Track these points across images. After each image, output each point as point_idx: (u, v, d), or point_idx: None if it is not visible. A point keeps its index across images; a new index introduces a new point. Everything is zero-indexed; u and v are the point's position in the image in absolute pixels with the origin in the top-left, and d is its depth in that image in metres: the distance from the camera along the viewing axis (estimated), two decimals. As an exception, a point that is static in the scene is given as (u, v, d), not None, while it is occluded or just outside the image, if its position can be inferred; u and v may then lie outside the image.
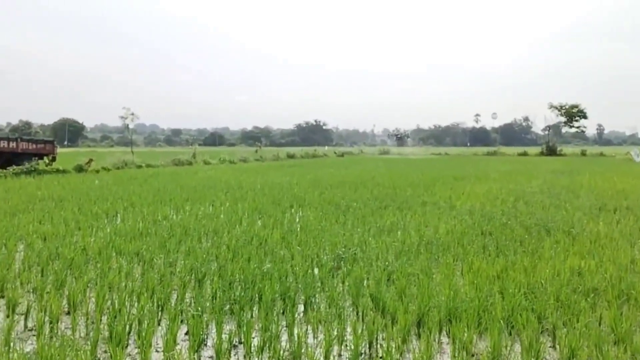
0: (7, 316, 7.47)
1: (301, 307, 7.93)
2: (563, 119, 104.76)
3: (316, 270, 9.77)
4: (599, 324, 7.30)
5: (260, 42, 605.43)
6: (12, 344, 6.33)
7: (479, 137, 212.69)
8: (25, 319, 7.40)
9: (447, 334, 7.04)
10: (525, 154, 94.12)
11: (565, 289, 8.43)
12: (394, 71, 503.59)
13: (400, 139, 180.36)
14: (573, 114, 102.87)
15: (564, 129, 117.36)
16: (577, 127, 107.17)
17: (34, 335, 6.84)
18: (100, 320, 7.22)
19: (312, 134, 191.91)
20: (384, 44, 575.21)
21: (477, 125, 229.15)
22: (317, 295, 8.31)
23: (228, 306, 7.79)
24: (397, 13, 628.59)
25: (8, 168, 33.73)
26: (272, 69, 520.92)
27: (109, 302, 7.85)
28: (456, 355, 6.24)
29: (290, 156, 71.57)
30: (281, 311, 7.66)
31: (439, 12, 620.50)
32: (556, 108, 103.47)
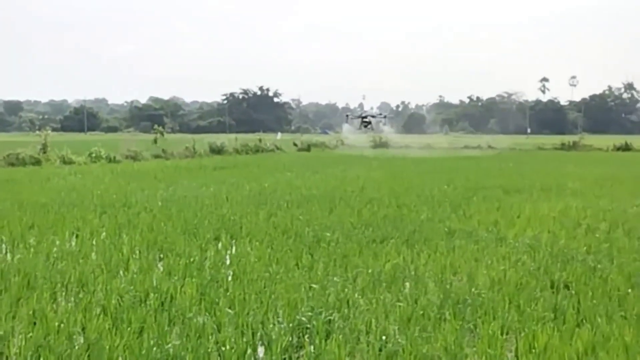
0: None
1: None
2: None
3: (261, 351, 9.78)
4: None
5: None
6: None
7: (547, 117, 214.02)
8: None
9: None
10: (627, 147, 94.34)
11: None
12: (397, 14, 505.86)
13: (409, 120, 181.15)
14: None
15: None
16: None
17: None
18: None
19: (255, 112, 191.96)
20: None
21: (545, 98, 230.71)
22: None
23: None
24: None
25: None
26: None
27: None
28: None
29: (217, 150, 71.36)
30: None
31: None
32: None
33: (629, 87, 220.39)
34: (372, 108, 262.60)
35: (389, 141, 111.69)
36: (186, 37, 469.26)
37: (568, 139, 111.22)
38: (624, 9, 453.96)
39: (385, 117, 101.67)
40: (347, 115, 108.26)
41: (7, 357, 9.32)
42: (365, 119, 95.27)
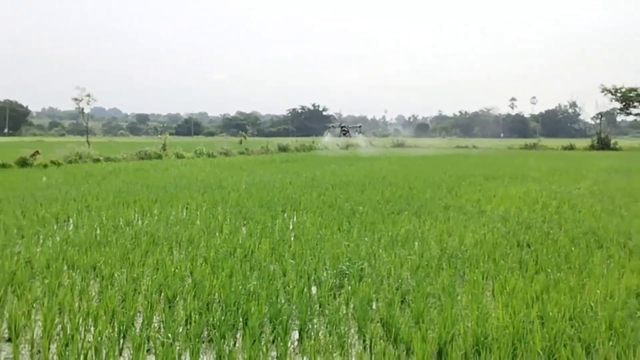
0: None
1: (295, 335, 7.94)
2: (619, 104, 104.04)
3: (314, 289, 9.79)
4: (662, 357, 7.30)
5: (241, 4, 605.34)
6: (-61, 378, 6.34)
7: (515, 126, 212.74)
8: (-45, 350, 7.41)
9: (474, 369, 7.04)
10: (571, 147, 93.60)
11: (620, 313, 8.40)
12: (409, 42, 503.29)
13: (418, 127, 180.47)
14: (631, 98, 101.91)
15: (620, 117, 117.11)
16: (636, 115, 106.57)
17: (-34, 368, 6.85)
18: (49, 348, 7.21)
19: (309, 122, 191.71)
20: (397, 13, 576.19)
21: (513, 112, 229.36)
22: (315, 320, 8.30)
23: (206, 332, 7.80)
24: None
25: None
26: (257, 40, 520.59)
27: (59, 326, 7.85)
28: (485, 394, 6.25)
29: (283, 149, 71.48)
30: (271, 339, 7.65)
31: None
32: (610, 91, 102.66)
33: (573, 104, 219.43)
34: (391, 119, 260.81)
35: (404, 142, 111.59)
36: (263, 67, 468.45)
37: (529, 141, 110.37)
38: (571, 44, 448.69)
39: (360, 126, 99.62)
40: (331, 126, 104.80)
41: (139, 292, 9.37)
42: (344, 128, 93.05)
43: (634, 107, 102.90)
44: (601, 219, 16.96)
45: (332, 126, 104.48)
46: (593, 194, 23.73)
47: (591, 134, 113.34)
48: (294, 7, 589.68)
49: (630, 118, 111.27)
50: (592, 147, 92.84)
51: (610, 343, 7.40)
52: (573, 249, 12.90)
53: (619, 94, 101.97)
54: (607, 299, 9.18)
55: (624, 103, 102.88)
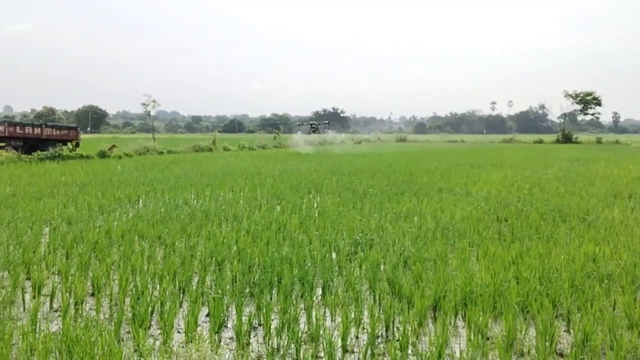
0: (34, 297, 7.57)
1: (319, 291, 7.97)
2: (578, 107, 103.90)
3: (334, 255, 9.81)
4: (613, 309, 7.28)
5: (274, 28, 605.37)
6: (38, 324, 6.41)
7: (495, 124, 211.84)
8: (51, 300, 7.49)
9: (462, 317, 7.05)
10: (541, 141, 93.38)
11: (580, 274, 8.41)
12: (410, 56, 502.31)
13: (416, 126, 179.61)
14: (588, 101, 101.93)
15: (580, 117, 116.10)
16: (592, 115, 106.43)
17: (59, 316, 6.92)
18: (124, 301, 7.30)
19: (329, 121, 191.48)
20: (400, 28, 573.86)
21: (493, 113, 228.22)
22: (334, 280, 8.34)
23: (248, 289, 7.85)
24: (414, 1, 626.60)
25: (33, 153, 34.06)
26: (287, 56, 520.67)
27: (132, 284, 7.93)
28: (472, 338, 6.25)
29: (308, 143, 71.42)
30: (300, 294, 7.70)
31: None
32: (571, 96, 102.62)
33: (542, 106, 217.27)
34: (395, 119, 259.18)
35: (406, 137, 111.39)
36: (291, 78, 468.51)
37: (507, 137, 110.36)
38: (539, 58, 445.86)
39: (328, 123, 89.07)
40: (300, 124, 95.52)
41: (194, 257, 9.42)
42: (313, 125, 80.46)
43: (591, 108, 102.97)
44: (565, 199, 16.89)
45: (302, 124, 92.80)
46: (558, 178, 23.62)
47: (557, 130, 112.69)
48: (313, 33, 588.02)
49: (588, 117, 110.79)
50: (557, 141, 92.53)
51: (572, 297, 7.40)
52: (542, 222, 12.87)
53: (578, 98, 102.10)
54: (569, 262, 9.16)
55: (582, 105, 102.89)
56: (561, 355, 6.05)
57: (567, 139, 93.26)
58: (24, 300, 7.54)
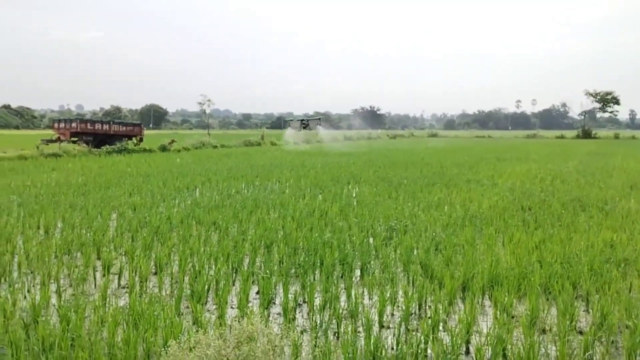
0: (103, 275, 7.73)
1: (358, 272, 7.98)
2: (598, 105, 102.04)
3: (371, 240, 9.80)
4: (629, 291, 7.17)
5: (314, 36, 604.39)
6: (108, 299, 6.55)
7: (519, 121, 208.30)
8: (119, 278, 7.63)
9: (489, 297, 7.00)
10: (562, 137, 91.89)
11: (599, 259, 8.29)
12: (441, 58, 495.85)
13: (447, 123, 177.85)
14: (607, 100, 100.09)
15: (599, 114, 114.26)
16: (611, 112, 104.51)
17: (126, 292, 7.06)
18: (183, 280, 7.40)
19: (367, 119, 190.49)
20: (431, 32, 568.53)
21: (518, 111, 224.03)
22: (372, 262, 8.34)
23: (293, 270, 7.89)
24: (445, 5, 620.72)
25: (102, 147, 34.70)
26: (326, 61, 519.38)
27: (190, 264, 8.04)
28: (498, 316, 6.21)
29: (348, 138, 71.33)
30: (340, 275, 7.72)
31: (483, 4, 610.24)
32: (591, 95, 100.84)
33: (563, 105, 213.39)
34: (427, 116, 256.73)
35: (437, 133, 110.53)
36: (331, 79, 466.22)
37: (531, 132, 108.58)
38: (562, 59, 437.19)
39: (319, 119, 76.98)
40: (290, 120, 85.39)
41: (246, 240, 9.49)
42: (304, 122, 69.13)
43: (609, 106, 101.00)
44: (584, 189, 16.61)
45: (292, 120, 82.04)
46: (578, 171, 23.22)
47: (577, 127, 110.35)
48: (354, 40, 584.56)
49: (606, 115, 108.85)
50: (577, 137, 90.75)
51: (591, 280, 7.30)
52: (563, 211, 12.68)
53: (598, 97, 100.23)
54: (588, 248, 9.02)
55: (601, 103, 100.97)
56: (580, 332, 5.97)
57: (586, 134, 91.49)
58: (95, 278, 7.70)
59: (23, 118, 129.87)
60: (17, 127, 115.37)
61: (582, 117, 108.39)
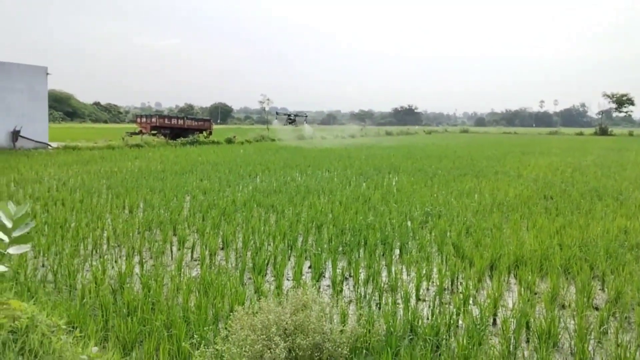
0: (179, 249, 7.88)
1: (397, 251, 7.94)
2: (614, 105, 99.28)
3: (409, 223, 9.73)
4: (643, 274, 6.97)
5: (360, 41, 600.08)
6: (182, 270, 6.68)
7: (542, 119, 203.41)
8: (192, 252, 7.76)
9: (514, 276, 6.89)
10: (581, 134, 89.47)
11: (613, 243, 8.08)
12: (473, 60, 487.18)
13: (477, 120, 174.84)
14: (622, 101, 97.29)
15: (614, 114, 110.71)
16: (626, 112, 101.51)
17: (198, 264, 7.18)
18: (246, 254, 7.48)
19: (405, 116, 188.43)
20: (462, 36, 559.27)
21: (542, 110, 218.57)
22: (409, 242, 8.29)
23: (341, 248, 7.90)
24: (478, 12, 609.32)
25: (177, 139, 35.29)
26: (371, 64, 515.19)
27: (252, 241, 8.12)
28: (522, 293, 6.10)
29: (388, 133, 70.87)
30: (382, 253, 7.70)
31: (510, 9, 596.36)
32: (608, 96, 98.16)
33: (582, 105, 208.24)
34: (460, 114, 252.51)
35: (468, 129, 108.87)
36: (376, 79, 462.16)
37: (553, 129, 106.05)
38: (585, 61, 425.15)
39: (306, 116, 65.70)
40: (276, 113, 77.48)
41: (299, 222, 9.54)
42: (290, 117, 60.91)
43: (625, 106, 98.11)
44: (601, 181, 16.16)
45: (278, 113, 72.54)
46: (595, 164, 22.60)
47: (595, 125, 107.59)
48: (396, 44, 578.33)
49: (622, 114, 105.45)
50: (595, 134, 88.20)
51: (607, 262, 7.12)
52: (581, 200, 12.37)
53: (614, 98, 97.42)
54: (604, 233, 8.79)
55: (617, 104, 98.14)
56: (596, 308, 5.83)
57: (603, 132, 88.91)
58: (171, 252, 7.86)
59: (111, 113, 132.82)
60: (105, 122, 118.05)
61: (600, 116, 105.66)
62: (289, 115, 51.02)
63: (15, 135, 26.87)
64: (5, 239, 3.43)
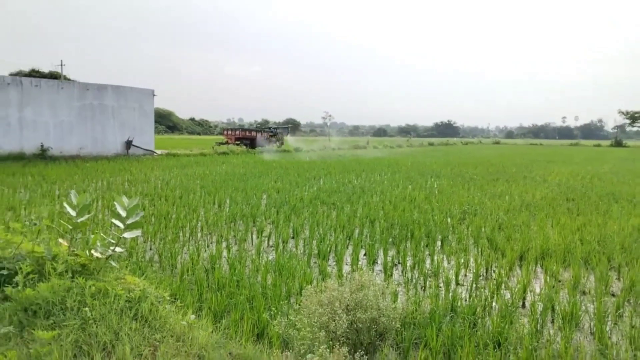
0: (257, 237, 8.01)
1: (439, 243, 7.82)
2: (628, 120, 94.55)
3: (449, 219, 9.55)
4: (657, 267, 6.60)
5: (408, 60, 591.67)
6: (260, 254, 6.80)
7: (564, 133, 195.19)
8: (268, 240, 7.89)
9: (541, 266, 6.66)
10: (599, 145, 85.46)
11: (629, 239, 7.71)
12: (504, 80, 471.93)
13: (507, 133, 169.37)
14: (636, 117, 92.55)
15: (628, 128, 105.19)
16: (639, 127, 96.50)
17: (273, 250, 7.28)
18: (312, 243, 7.53)
19: (445, 129, 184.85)
20: (497, 57, 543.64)
21: (564, 125, 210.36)
22: (449, 236, 8.14)
23: (391, 239, 7.84)
24: (506, 38, 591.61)
25: (255, 148, 35.90)
26: (416, 81, 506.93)
27: (317, 232, 8.17)
28: (548, 280, 5.89)
29: (430, 144, 69.71)
30: (426, 245, 7.59)
31: (539, 36, 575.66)
32: (623, 113, 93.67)
33: (600, 120, 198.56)
34: (493, 127, 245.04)
35: (500, 141, 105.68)
36: (419, 96, 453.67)
37: (573, 142, 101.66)
38: (602, 81, 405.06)
39: (287, 128, 55.77)
40: (260, 127, 69.23)
41: (356, 217, 9.51)
42: (271, 130, 46.61)
43: (638, 122, 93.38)
44: (617, 186, 15.39)
45: (262, 129, 56.58)
46: (612, 172, 21.52)
47: (611, 138, 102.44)
48: (439, 62, 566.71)
49: (635, 129, 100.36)
50: (611, 145, 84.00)
51: (622, 255, 6.80)
52: (600, 202, 11.82)
53: (629, 115, 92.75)
54: (620, 231, 8.37)
55: (631, 120, 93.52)
56: (613, 295, 5.58)
57: (618, 144, 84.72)
58: (252, 239, 8.00)
59: (203, 127, 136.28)
60: (199, 134, 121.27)
61: (615, 130, 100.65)
62: (270, 129, 43.14)
63: (129, 144, 28.01)
64: (121, 225, 3.62)
